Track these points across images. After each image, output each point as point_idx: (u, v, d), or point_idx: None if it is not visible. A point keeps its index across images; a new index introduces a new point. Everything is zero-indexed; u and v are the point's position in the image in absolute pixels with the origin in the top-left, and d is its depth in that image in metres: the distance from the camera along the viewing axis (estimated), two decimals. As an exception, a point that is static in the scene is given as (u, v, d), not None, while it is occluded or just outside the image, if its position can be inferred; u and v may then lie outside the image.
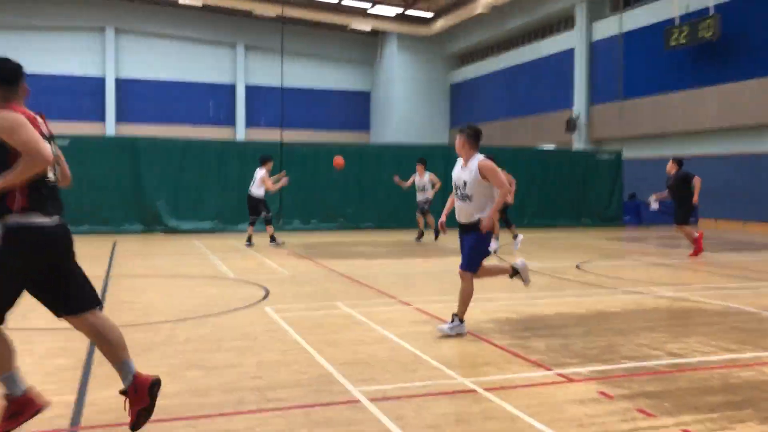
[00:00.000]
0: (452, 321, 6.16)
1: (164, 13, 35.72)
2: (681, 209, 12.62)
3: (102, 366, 5.02)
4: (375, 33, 38.28)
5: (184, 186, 17.52)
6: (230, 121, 37.43)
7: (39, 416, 3.95)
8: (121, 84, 35.60)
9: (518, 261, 6.70)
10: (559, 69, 29.07)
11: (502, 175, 6.28)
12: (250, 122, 37.33)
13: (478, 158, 6.20)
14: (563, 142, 28.24)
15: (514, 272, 6.60)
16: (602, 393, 4.50)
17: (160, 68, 36.00)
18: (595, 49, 27.31)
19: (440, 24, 34.65)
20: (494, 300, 7.96)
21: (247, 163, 17.52)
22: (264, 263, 11.53)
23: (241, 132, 37.10)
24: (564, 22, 29.69)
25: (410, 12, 34.45)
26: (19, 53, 29.18)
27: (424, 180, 15.60)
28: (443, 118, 38.05)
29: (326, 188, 18.74)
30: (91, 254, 12.52)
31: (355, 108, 39.78)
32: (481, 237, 6.20)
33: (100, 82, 35.31)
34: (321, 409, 4.19)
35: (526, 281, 6.68)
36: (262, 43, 37.02)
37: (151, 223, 17.26)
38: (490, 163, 6.16)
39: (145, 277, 9.88)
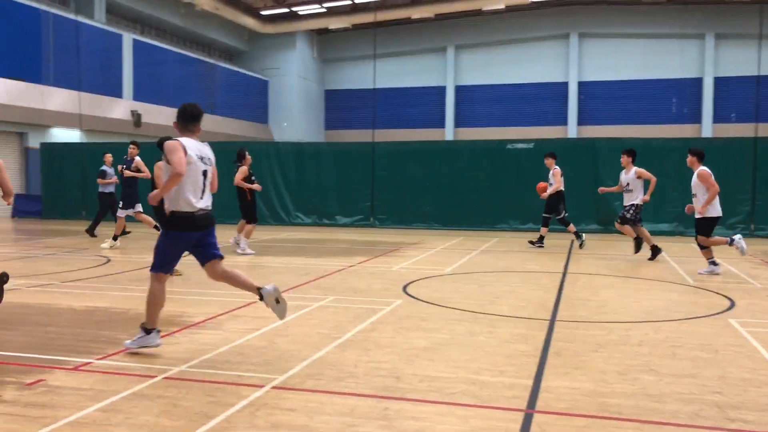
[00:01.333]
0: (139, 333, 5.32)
1: (627, 13, 35.38)
2: None
3: (559, 356, 5.27)
4: None
5: (643, 186, 17.10)
6: (695, 118, 35.04)
7: (498, 393, 4.36)
8: (583, 87, 36.55)
9: (269, 285, 5.39)
10: None
11: (177, 154, 5.10)
12: (719, 117, 34.31)
13: None
14: None
15: (260, 296, 5.39)
16: None
17: (621, 68, 35.79)
18: None
19: None
20: None
21: (713, 162, 16.14)
22: (729, 271, 10.48)
23: (707, 129, 34.42)
24: None
25: None
26: (490, 65, 32.64)
27: (628, 177, 11.77)
28: None
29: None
30: (549, 250, 13.22)
31: None
32: (162, 234, 5.36)
33: (562, 87, 36.88)
34: (797, 441, 3.63)
35: (278, 313, 5.39)
36: (735, 30, 33.64)
37: (607, 223, 17.32)
38: (168, 144, 5.18)
39: (601, 276, 9.96)
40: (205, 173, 5.37)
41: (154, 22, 32.82)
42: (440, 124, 38.81)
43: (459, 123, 38.61)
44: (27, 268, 10.24)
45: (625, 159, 11.90)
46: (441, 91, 39.06)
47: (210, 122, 33.46)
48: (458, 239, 15.61)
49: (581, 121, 36.35)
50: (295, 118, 38.90)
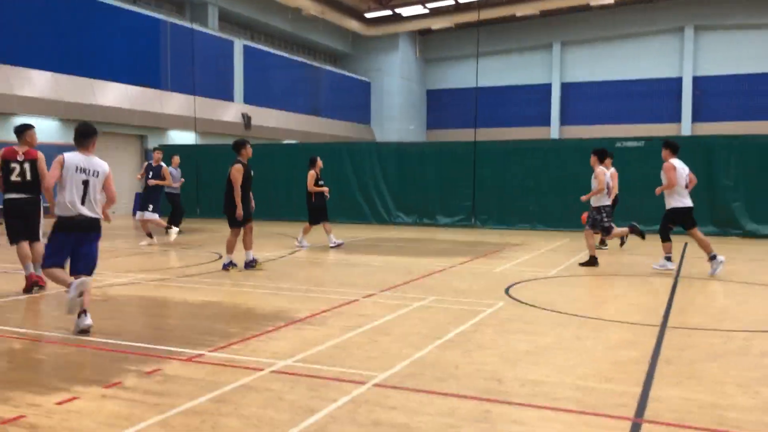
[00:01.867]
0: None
1: (745, 4, 33.25)
2: None
3: (670, 364, 5.03)
4: None
5: (764, 187, 16.00)
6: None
7: (605, 400, 4.21)
8: (698, 82, 34.70)
9: (74, 284, 5.76)
10: None
11: (51, 171, 6.23)
12: None
13: None
14: None
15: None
16: None
17: (740, 62, 33.67)
18: None
19: None
20: None
21: None
22: None
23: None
24: None
25: None
26: (597, 61, 31.67)
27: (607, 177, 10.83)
28: None
29: None
30: (657, 252, 12.60)
31: None
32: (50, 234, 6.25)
33: (675, 83, 35.17)
34: None
35: (68, 308, 5.80)
36: None
37: (725, 225, 16.34)
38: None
39: (718, 281, 9.41)
40: (86, 183, 6.15)
41: (263, 28, 34.03)
42: (545, 122, 37.96)
43: (565, 121, 37.62)
44: (145, 263, 10.88)
45: (593, 159, 11.11)
46: (546, 88, 38.20)
47: (315, 124, 34.31)
48: (564, 241, 15.21)
49: (696, 118, 34.51)
50: (396, 118, 39.21)
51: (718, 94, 34.17)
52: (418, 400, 4.19)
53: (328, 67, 37.40)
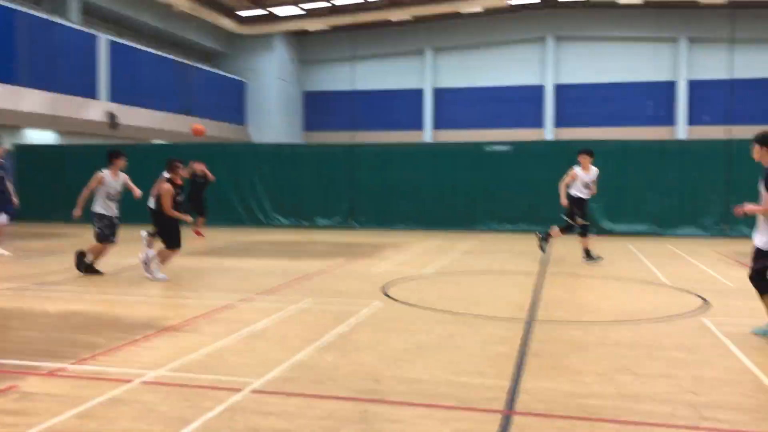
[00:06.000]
0: None
1: (603, 16, 35.71)
2: None
3: (537, 357, 5.31)
4: None
5: (621, 187, 17.24)
6: (669, 121, 35.45)
7: (478, 395, 4.37)
8: (560, 90, 36.85)
9: None
10: None
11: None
12: (693, 120, 34.76)
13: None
14: None
15: None
16: None
17: (597, 72, 36.12)
18: None
19: None
20: None
21: (688, 163, 16.51)
22: (704, 272, 10.63)
23: (681, 131, 34.86)
24: None
25: None
26: (468, 68, 32.61)
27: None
28: None
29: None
30: (526, 251, 13.29)
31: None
32: None
33: (539, 90, 37.15)
34: (770, 439, 3.68)
35: None
36: (707, 34, 34.11)
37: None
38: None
39: (579, 277, 10.05)
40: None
41: (131, 24, 32.47)
42: (419, 126, 38.87)
43: (438, 125, 38.68)
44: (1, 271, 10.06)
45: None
46: (419, 93, 39.13)
47: (187, 124, 33.15)
48: (438, 240, 15.65)
49: (558, 124, 36.61)
50: (273, 119, 38.73)
51: (578, 102, 36.39)
52: (296, 404, 4.16)
53: (201, 66, 36.30)
